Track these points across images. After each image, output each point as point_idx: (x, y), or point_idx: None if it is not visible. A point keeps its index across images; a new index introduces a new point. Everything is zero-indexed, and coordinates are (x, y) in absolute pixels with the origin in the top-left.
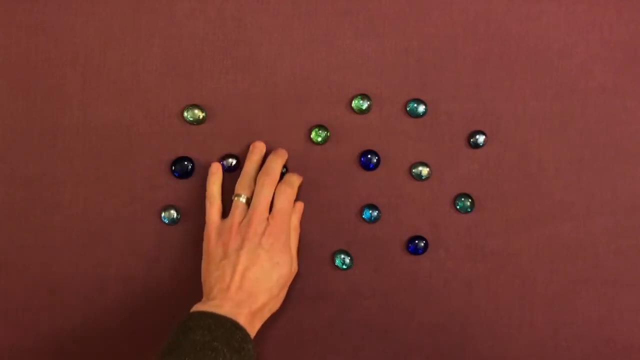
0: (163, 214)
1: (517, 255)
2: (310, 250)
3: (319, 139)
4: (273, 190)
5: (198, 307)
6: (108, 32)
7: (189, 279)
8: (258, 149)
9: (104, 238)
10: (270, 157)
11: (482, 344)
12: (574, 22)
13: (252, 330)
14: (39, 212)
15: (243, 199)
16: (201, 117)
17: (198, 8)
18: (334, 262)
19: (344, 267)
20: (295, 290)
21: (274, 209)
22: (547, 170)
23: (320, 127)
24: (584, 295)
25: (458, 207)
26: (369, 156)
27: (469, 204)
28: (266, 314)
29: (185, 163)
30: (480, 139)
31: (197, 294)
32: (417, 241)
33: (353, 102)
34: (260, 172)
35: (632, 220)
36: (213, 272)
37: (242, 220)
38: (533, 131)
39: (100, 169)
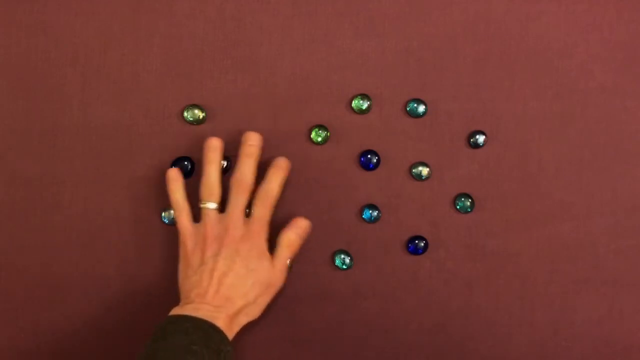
0: (163, 214)
1: (517, 255)
2: (310, 250)
3: (319, 139)
4: (248, 196)
5: (175, 312)
6: (108, 32)
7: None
8: (213, 147)
9: (104, 238)
10: (242, 161)
11: (482, 344)
12: (574, 22)
13: (230, 334)
14: (39, 212)
15: (212, 206)
16: (201, 117)
17: (198, 8)
18: (334, 262)
19: (344, 267)
20: (295, 290)
21: (251, 217)
22: (547, 170)
23: (320, 127)
24: (584, 295)
25: (458, 207)
26: (369, 156)
27: (469, 204)
28: (242, 320)
29: (185, 163)
30: (480, 139)
31: None
32: (417, 241)
33: (353, 102)
34: (233, 178)
35: (632, 220)
36: (190, 277)
37: (215, 228)
38: (533, 131)
39: (100, 169)
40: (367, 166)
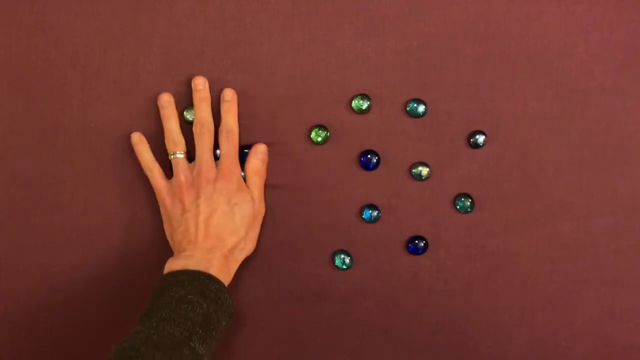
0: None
1: (517, 255)
2: (310, 250)
3: (319, 139)
4: (212, 137)
5: (170, 264)
6: (108, 32)
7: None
8: (167, 102)
9: (104, 238)
10: (197, 107)
11: (482, 344)
12: (574, 22)
13: (229, 274)
14: (39, 212)
15: (180, 155)
16: None
17: (198, 8)
18: (334, 262)
19: (344, 267)
20: (295, 290)
21: (220, 155)
22: (547, 170)
23: (320, 127)
24: (584, 295)
25: (458, 207)
26: (369, 156)
27: (469, 204)
28: (239, 256)
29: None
30: (480, 139)
31: None
32: (417, 241)
33: (353, 102)
34: (195, 124)
35: (632, 220)
36: (177, 229)
37: (188, 174)
38: (533, 131)
39: (100, 169)
40: (367, 166)
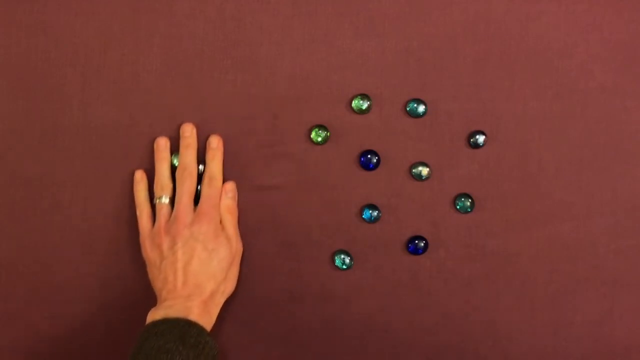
0: None
1: (517, 255)
2: (310, 250)
3: (319, 139)
4: (195, 183)
5: (151, 314)
6: (108, 32)
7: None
8: (162, 147)
9: (104, 238)
10: (182, 153)
11: (482, 344)
12: (574, 22)
13: (210, 318)
14: (39, 212)
15: (165, 200)
16: None
17: (198, 8)
18: (334, 262)
19: (344, 267)
20: (295, 290)
21: (200, 199)
22: (547, 170)
23: (320, 127)
24: (584, 295)
25: (458, 207)
26: (369, 156)
27: (469, 204)
28: (220, 299)
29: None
30: (480, 139)
31: None
32: (417, 241)
33: (353, 102)
34: (178, 169)
35: (632, 220)
36: (157, 276)
37: (168, 219)
38: (533, 131)
39: (100, 169)
40: (367, 166)
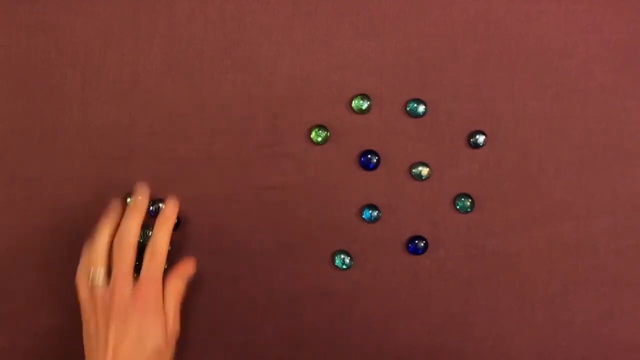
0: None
1: (517, 255)
2: (310, 250)
3: (319, 139)
4: (134, 255)
5: None
6: (108, 32)
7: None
8: (113, 210)
9: None
10: (125, 215)
11: (482, 344)
12: (574, 22)
13: None
14: (39, 212)
15: (100, 273)
16: None
17: (198, 8)
18: (334, 262)
19: (344, 267)
20: (295, 290)
21: (140, 275)
22: (547, 170)
23: (320, 127)
24: (584, 295)
25: (458, 207)
26: (369, 156)
27: (469, 204)
28: None
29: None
30: (480, 139)
31: (197, 293)
32: (417, 241)
33: (353, 102)
34: (115, 240)
35: (632, 220)
36: (87, 344)
37: (104, 294)
38: (533, 131)
39: (100, 169)
40: (367, 166)
